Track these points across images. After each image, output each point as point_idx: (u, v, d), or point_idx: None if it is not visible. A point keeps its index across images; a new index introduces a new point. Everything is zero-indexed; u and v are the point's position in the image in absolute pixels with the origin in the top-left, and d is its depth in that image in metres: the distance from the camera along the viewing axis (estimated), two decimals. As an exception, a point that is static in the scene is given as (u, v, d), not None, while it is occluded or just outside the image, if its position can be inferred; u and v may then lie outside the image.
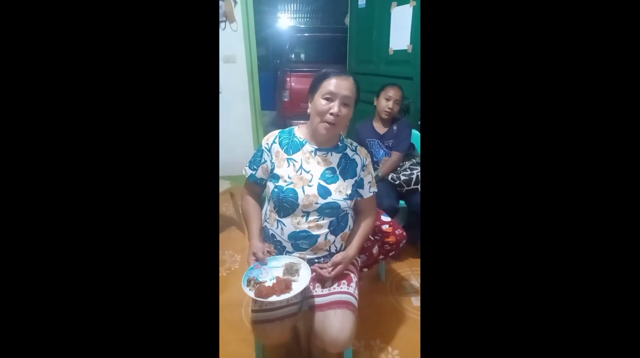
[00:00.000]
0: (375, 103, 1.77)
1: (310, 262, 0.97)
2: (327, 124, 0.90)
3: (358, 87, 0.92)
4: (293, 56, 4.03)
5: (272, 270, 0.91)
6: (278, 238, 0.98)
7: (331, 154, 0.98)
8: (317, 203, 0.93)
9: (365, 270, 1.50)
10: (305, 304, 0.96)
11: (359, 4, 2.28)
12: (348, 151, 1.00)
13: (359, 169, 0.99)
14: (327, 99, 0.89)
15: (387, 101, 1.71)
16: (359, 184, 1.00)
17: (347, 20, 2.59)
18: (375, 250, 1.31)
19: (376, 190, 1.04)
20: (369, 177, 1.01)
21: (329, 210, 0.94)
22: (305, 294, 0.96)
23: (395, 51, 1.99)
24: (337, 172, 0.97)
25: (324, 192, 0.93)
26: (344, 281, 0.97)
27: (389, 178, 1.68)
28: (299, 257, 0.97)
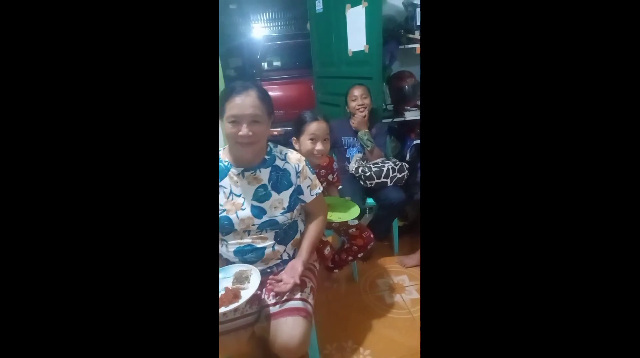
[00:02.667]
0: (347, 109, 1.79)
1: (263, 272, 0.97)
2: (242, 146, 0.87)
3: (265, 98, 0.88)
4: (266, 64, 4.05)
5: (222, 282, 0.90)
6: (225, 257, 0.98)
7: (260, 171, 0.95)
8: (254, 224, 0.92)
9: (336, 271, 1.51)
10: (263, 313, 0.96)
11: (317, 9, 2.30)
12: (278, 162, 0.97)
13: (293, 177, 0.98)
14: (232, 122, 0.85)
15: (354, 101, 1.73)
16: (298, 192, 0.99)
17: (308, 26, 2.61)
18: (327, 251, 1.32)
19: (319, 191, 1.03)
20: (307, 181, 1.00)
21: (269, 226, 0.94)
22: (262, 304, 0.96)
23: (354, 52, 2.01)
24: (269, 188, 0.95)
25: (258, 212, 0.93)
26: (297, 287, 0.96)
27: (360, 170, 1.68)
28: None
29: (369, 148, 1.70)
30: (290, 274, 0.91)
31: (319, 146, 1.24)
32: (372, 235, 1.42)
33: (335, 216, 1.30)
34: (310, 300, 0.96)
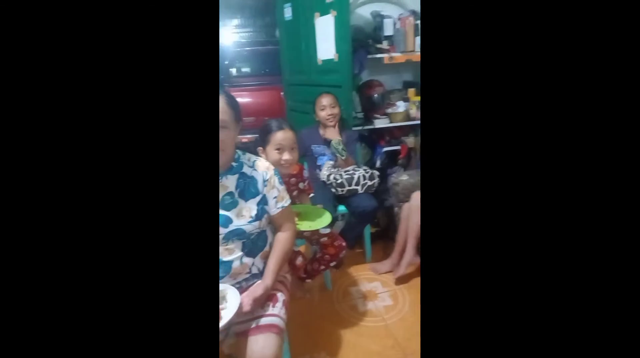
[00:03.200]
0: (317, 118, 1.78)
1: None
2: None
3: (232, 105, 0.87)
4: (235, 70, 3.98)
5: None
6: None
7: (226, 178, 0.92)
8: (220, 234, 0.88)
9: (308, 281, 1.48)
10: (232, 330, 0.92)
11: (286, 16, 2.30)
12: (245, 169, 0.95)
13: (260, 185, 0.95)
14: None
15: (322, 111, 1.73)
16: (264, 201, 0.95)
17: (278, 33, 2.60)
18: (299, 261, 1.29)
19: (286, 204, 0.99)
20: (274, 191, 0.97)
21: (236, 236, 0.90)
22: (231, 321, 0.92)
23: (323, 61, 2.02)
24: (236, 195, 0.92)
25: (224, 221, 0.89)
26: (268, 302, 0.93)
27: (331, 177, 1.67)
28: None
29: (343, 158, 1.70)
30: (249, 296, 0.87)
31: (286, 156, 1.21)
32: (344, 243, 1.41)
33: (306, 225, 1.28)
34: (282, 314, 0.93)
